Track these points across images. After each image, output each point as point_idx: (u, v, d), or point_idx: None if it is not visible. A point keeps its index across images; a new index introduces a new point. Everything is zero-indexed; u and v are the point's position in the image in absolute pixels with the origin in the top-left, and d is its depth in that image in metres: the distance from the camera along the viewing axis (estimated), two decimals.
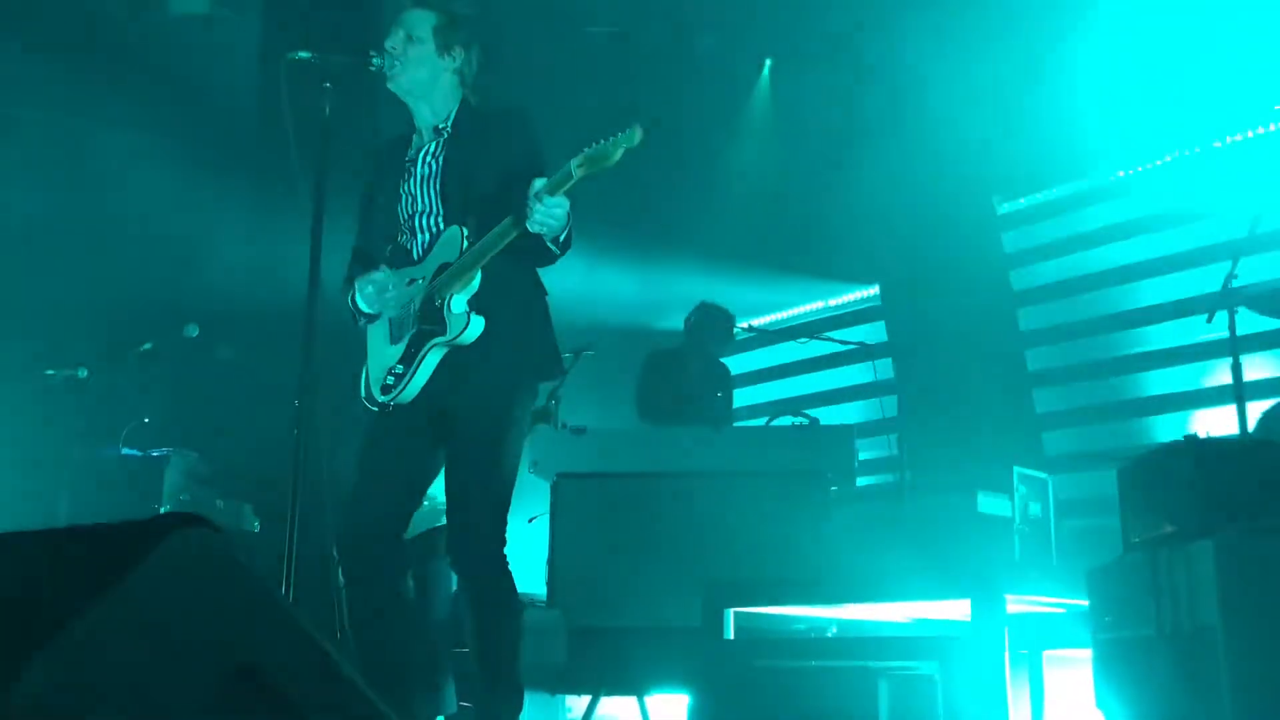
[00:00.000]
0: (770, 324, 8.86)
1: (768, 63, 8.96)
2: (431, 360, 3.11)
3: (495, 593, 3.09)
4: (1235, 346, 4.28)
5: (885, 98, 7.75)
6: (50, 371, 5.54)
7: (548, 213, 2.90)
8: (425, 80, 3.25)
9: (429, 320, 3.10)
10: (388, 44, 3.24)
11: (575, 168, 2.89)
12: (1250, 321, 4.43)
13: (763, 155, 8.94)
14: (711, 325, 6.48)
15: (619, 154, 2.86)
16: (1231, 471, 2.56)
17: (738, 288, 8.03)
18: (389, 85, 3.25)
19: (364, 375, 3.26)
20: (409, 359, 3.13)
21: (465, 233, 3.10)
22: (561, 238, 3.02)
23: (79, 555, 1.38)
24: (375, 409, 3.19)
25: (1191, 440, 2.67)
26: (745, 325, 6.77)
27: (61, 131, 7.04)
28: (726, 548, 4.85)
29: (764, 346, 8.67)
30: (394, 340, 3.18)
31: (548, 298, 3.28)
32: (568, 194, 2.95)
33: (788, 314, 8.96)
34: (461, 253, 3.08)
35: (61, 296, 6.56)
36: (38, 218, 6.76)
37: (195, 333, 5.60)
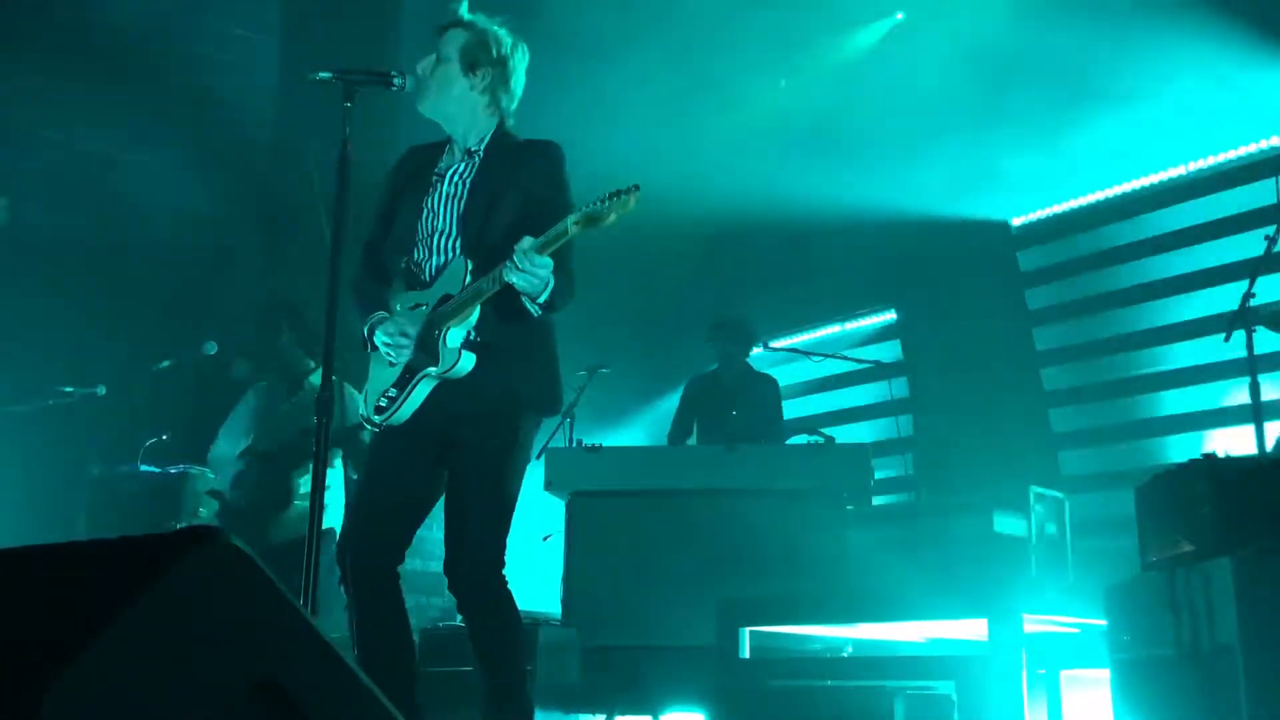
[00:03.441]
0: (786, 344, 8.85)
1: (781, 82, 8.99)
2: (422, 390, 3.13)
3: (495, 616, 3.08)
4: (1253, 366, 4.26)
5: (898, 116, 7.76)
6: (69, 389, 5.57)
7: (533, 272, 2.90)
8: (453, 101, 3.24)
9: (424, 349, 3.11)
10: (419, 66, 3.24)
11: (571, 225, 2.88)
12: (1268, 340, 4.41)
13: (778, 175, 8.96)
14: (728, 335, 6.51)
15: (614, 218, 2.84)
16: (1249, 491, 2.55)
17: (754, 308, 8.03)
18: (418, 107, 3.25)
19: (364, 394, 3.28)
20: (402, 384, 3.14)
21: (469, 267, 3.11)
22: (541, 299, 3.00)
23: (101, 569, 1.39)
24: (371, 428, 3.21)
25: (1209, 459, 2.65)
26: (762, 345, 6.77)
27: (82, 151, 7.10)
28: (742, 566, 4.84)
29: (780, 365, 8.67)
30: (391, 363, 3.20)
31: (555, 333, 3.28)
32: (560, 252, 2.94)
33: (804, 337, 8.95)
34: (463, 288, 3.10)
35: (80, 314, 6.61)
36: (57, 235, 6.82)
37: (214, 350, 5.63)
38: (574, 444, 5.83)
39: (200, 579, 1.32)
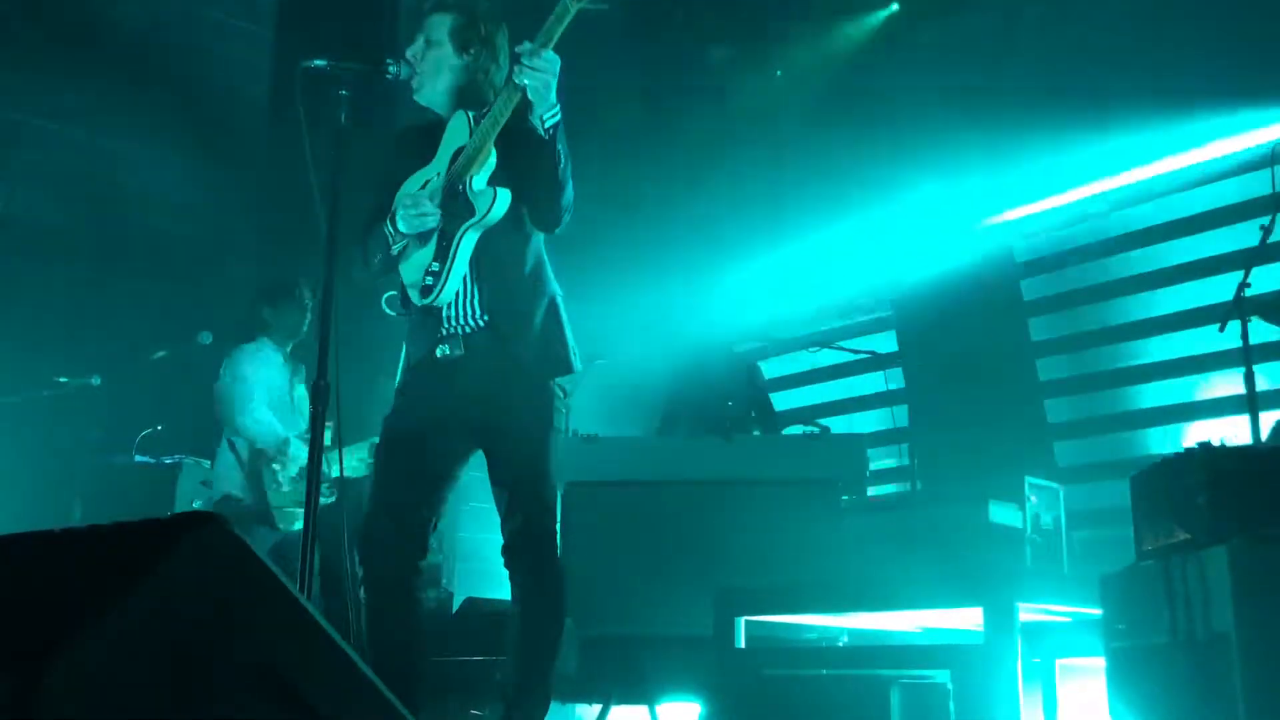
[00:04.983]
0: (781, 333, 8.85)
1: (778, 74, 8.98)
2: (467, 245, 3.11)
3: (550, 596, 3.11)
4: (1248, 355, 4.27)
5: (893, 106, 7.76)
6: (64, 379, 5.56)
7: (541, 68, 2.90)
8: (448, 85, 3.25)
9: (454, 210, 3.10)
10: (408, 53, 3.25)
11: (571, 3, 2.88)
12: (1263, 330, 4.42)
13: (773, 167, 8.95)
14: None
15: None
16: (1244, 479, 2.55)
17: (748, 299, 8.04)
18: (415, 96, 3.27)
19: (399, 290, 3.26)
20: (443, 253, 3.12)
21: (470, 116, 3.12)
22: (550, 116, 2.97)
23: (99, 554, 1.39)
24: (404, 315, 3.21)
25: (1204, 448, 2.66)
26: (758, 335, 6.76)
27: (76, 141, 7.07)
28: (737, 556, 4.84)
29: (775, 356, 8.67)
30: (422, 244, 3.17)
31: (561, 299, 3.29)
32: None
33: (799, 324, 8.95)
34: (471, 132, 3.10)
35: (75, 304, 6.59)
36: (51, 226, 6.80)
37: (209, 340, 5.62)
38: (570, 434, 5.83)
39: (196, 564, 1.33)
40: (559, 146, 3.03)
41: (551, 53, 2.92)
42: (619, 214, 7.47)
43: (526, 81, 2.91)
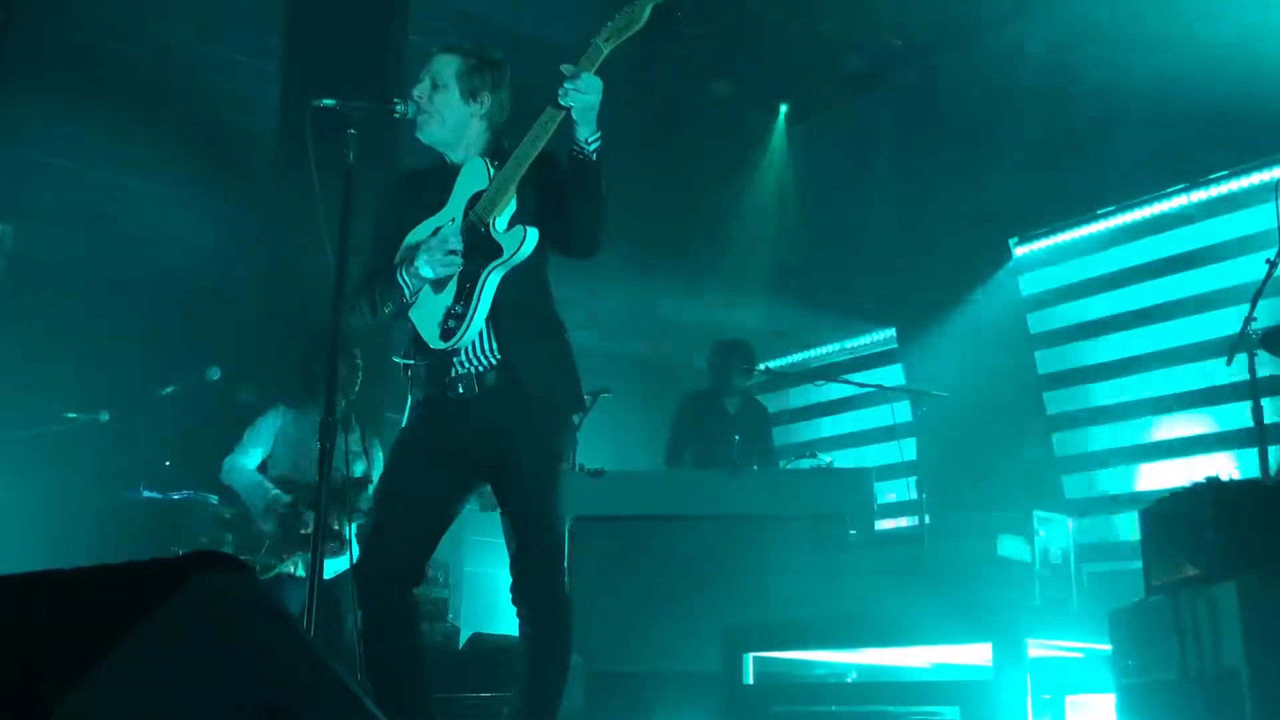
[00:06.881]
0: (787, 366, 8.87)
1: (783, 107, 9.05)
2: (491, 286, 3.09)
3: (558, 632, 3.08)
4: (1255, 389, 4.26)
5: (902, 136, 7.81)
6: (72, 415, 5.56)
7: (584, 89, 2.93)
8: (453, 127, 3.25)
9: (476, 251, 3.08)
10: (415, 92, 3.25)
11: (603, 42, 2.94)
12: (1270, 364, 4.42)
13: (778, 198, 9.01)
14: (736, 360, 6.47)
15: (646, 14, 2.90)
16: (1253, 514, 2.55)
17: (754, 329, 8.05)
18: (417, 134, 3.26)
19: (410, 338, 3.21)
20: (466, 295, 3.09)
21: (487, 161, 3.13)
22: (593, 141, 3.00)
23: (106, 594, 1.39)
24: (418, 362, 3.16)
25: (1213, 482, 2.65)
26: (762, 368, 6.75)
27: (86, 178, 7.13)
28: (745, 591, 4.83)
29: (781, 389, 8.67)
30: (437, 289, 3.15)
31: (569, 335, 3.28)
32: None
33: (804, 357, 8.96)
34: (490, 178, 3.11)
35: (84, 340, 6.62)
36: (61, 262, 6.84)
37: (217, 376, 5.62)
38: (577, 468, 5.83)
39: (205, 603, 1.33)
40: (601, 170, 3.05)
41: (593, 76, 2.94)
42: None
43: (572, 103, 2.94)
